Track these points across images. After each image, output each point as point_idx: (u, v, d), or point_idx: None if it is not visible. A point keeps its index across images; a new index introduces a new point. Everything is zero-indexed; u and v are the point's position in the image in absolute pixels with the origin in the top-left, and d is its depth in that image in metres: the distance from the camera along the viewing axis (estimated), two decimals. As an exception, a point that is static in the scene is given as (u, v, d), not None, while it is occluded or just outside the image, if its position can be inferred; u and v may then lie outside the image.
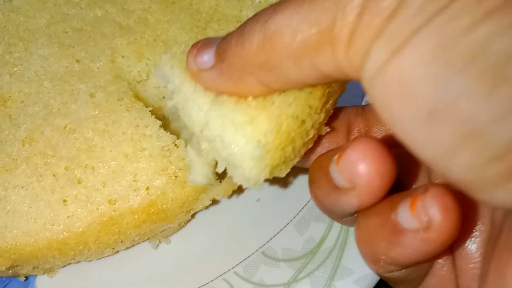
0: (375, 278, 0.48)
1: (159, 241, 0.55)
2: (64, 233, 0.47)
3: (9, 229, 0.47)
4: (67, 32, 0.60)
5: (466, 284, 0.34)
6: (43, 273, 0.54)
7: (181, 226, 0.55)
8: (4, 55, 0.59)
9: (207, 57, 0.33)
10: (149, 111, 0.53)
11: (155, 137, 0.51)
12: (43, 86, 0.55)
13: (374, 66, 0.24)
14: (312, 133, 0.35)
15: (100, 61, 0.57)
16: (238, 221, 0.56)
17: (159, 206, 0.49)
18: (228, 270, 0.53)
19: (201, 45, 0.34)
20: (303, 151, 0.37)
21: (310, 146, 0.38)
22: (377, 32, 0.24)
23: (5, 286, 0.54)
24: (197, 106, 0.35)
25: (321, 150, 0.40)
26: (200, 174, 0.44)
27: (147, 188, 0.49)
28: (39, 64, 0.57)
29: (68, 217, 0.48)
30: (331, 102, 0.36)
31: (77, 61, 0.57)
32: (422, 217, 0.28)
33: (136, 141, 0.51)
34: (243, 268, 0.52)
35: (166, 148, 0.51)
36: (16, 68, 0.57)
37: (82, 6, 0.63)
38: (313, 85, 0.32)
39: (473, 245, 0.34)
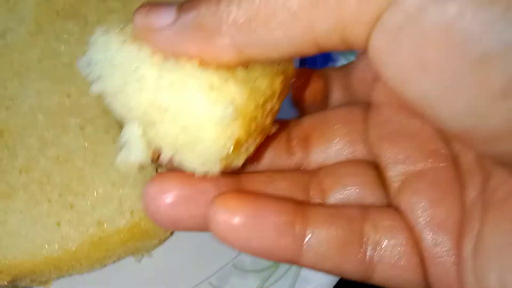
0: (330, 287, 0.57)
1: (142, 255, 0.62)
2: (59, 251, 0.55)
3: (10, 249, 0.54)
4: (57, 67, 0.67)
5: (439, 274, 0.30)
6: (40, 285, 0.61)
7: (161, 242, 0.62)
8: (0, 89, 0.66)
9: (165, 14, 0.28)
10: (133, 141, 0.60)
11: (138, 166, 0.58)
12: (37, 120, 0.62)
13: (404, 13, 0.21)
14: (268, 120, 0.32)
15: (88, 96, 0.64)
16: (210, 238, 0.63)
17: (142, 227, 0.57)
18: (203, 280, 0.61)
19: (154, 4, 0.29)
20: (257, 141, 0.32)
21: (261, 141, 0.33)
22: None
23: (5, 298, 0.60)
24: (141, 78, 0.29)
25: (266, 160, 0.37)
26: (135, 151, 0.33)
27: (132, 212, 0.56)
28: (33, 98, 0.64)
29: (62, 237, 0.55)
30: (281, 98, 0.34)
31: (68, 96, 0.64)
32: None
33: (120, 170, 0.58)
34: (216, 279, 0.60)
35: (148, 176, 0.58)
36: (12, 102, 0.64)
37: (71, 42, 0.70)
38: (290, 57, 0.28)
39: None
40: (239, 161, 0.32)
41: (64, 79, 0.66)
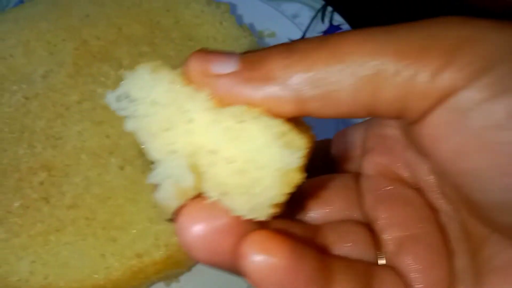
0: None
1: (171, 281, 0.71)
2: (103, 280, 0.63)
3: (62, 277, 0.63)
4: (96, 109, 0.75)
5: None
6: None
7: (189, 269, 0.71)
8: (46, 129, 0.73)
9: (227, 62, 0.29)
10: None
11: (171, 204, 0.67)
12: (81, 159, 0.70)
13: (480, 94, 0.24)
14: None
15: (125, 137, 0.72)
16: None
17: (175, 258, 0.65)
18: (225, 304, 0.69)
19: (212, 51, 0.31)
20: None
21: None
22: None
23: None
24: (191, 120, 0.30)
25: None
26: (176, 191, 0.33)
27: (166, 245, 0.65)
28: (76, 139, 0.72)
29: (106, 268, 0.64)
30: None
31: (107, 137, 0.72)
32: None
33: (157, 208, 0.66)
34: (237, 303, 0.69)
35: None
36: (57, 142, 0.72)
37: (108, 85, 0.78)
38: (342, 117, 0.30)
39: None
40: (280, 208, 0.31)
41: (103, 121, 0.74)
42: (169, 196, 0.30)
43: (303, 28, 0.89)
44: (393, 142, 0.39)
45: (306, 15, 0.90)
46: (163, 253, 0.64)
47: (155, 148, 0.31)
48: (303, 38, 0.33)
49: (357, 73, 0.27)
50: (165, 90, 0.31)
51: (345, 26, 0.86)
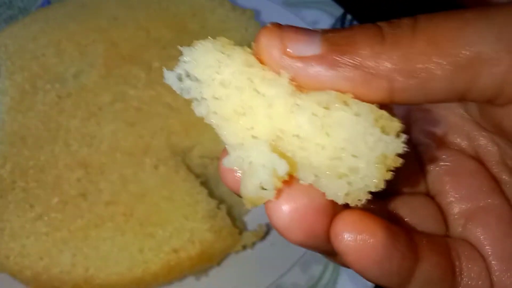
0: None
1: (201, 274, 0.75)
2: (142, 274, 0.67)
3: (102, 271, 0.66)
4: (128, 110, 0.78)
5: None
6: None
7: (218, 263, 0.75)
8: (81, 128, 0.76)
9: (310, 43, 0.28)
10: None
11: (205, 202, 0.71)
12: (116, 158, 0.74)
13: None
14: None
15: (158, 138, 0.76)
16: (257, 261, 0.76)
17: (208, 254, 0.69)
18: (251, 297, 0.74)
19: (287, 27, 0.29)
20: None
21: None
22: None
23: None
24: (272, 104, 0.29)
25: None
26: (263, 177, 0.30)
27: (201, 241, 0.69)
28: (110, 138, 0.75)
29: (144, 262, 0.67)
30: None
31: (140, 137, 0.76)
32: None
33: (191, 206, 0.70)
34: (263, 296, 0.73)
35: (212, 210, 0.71)
36: (92, 141, 0.75)
37: (139, 87, 0.81)
38: (431, 103, 0.30)
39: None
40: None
41: (135, 121, 0.77)
42: (264, 182, 0.29)
43: (322, 36, 0.93)
44: (445, 112, 0.38)
45: (325, 22, 0.94)
46: (198, 249, 0.68)
47: (230, 132, 0.30)
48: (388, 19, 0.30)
49: (456, 62, 0.26)
50: (237, 71, 0.29)
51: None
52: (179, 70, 0.30)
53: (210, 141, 0.76)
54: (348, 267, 0.31)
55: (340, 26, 0.93)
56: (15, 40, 0.84)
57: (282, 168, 0.29)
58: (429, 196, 0.38)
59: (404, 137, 0.28)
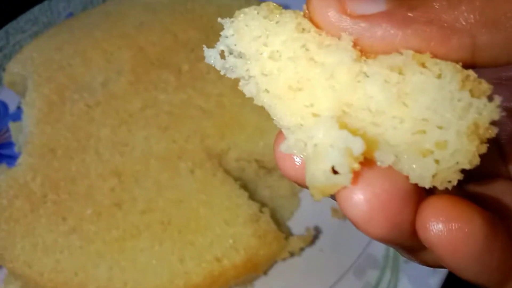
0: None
1: (246, 285, 0.69)
2: (184, 285, 0.62)
3: (142, 284, 0.61)
4: (159, 115, 0.75)
5: None
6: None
7: (265, 273, 0.69)
8: (111, 136, 0.73)
9: (371, 1, 0.25)
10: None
11: (246, 206, 0.66)
12: (150, 164, 0.69)
13: None
14: None
15: (192, 141, 0.71)
16: (306, 268, 0.70)
17: (254, 262, 0.64)
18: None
19: None
20: None
21: None
22: None
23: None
24: (333, 75, 0.25)
25: None
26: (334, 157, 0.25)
27: (245, 248, 0.63)
28: (143, 144, 0.71)
29: (185, 273, 0.62)
30: None
31: (174, 141, 0.72)
32: None
33: (232, 210, 0.65)
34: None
35: (254, 214, 0.65)
36: (124, 148, 0.71)
37: (169, 91, 0.77)
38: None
39: None
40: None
41: (167, 126, 0.73)
42: (337, 165, 0.24)
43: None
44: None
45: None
46: (242, 256, 0.63)
47: (286, 112, 0.26)
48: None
49: None
50: (289, 39, 0.25)
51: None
52: (220, 46, 0.27)
53: (245, 142, 0.72)
54: (438, 266, 0.26)
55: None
56: (40, 52, 0.82)
57: (358, 146, 0.24)
58: (511, 180, 0.33)
59: (499, 99, 0.23)
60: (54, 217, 0.66)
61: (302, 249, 0.69)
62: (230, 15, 0.84)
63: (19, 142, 0.80)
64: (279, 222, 0.69)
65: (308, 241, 0.68)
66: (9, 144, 0.83)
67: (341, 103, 0.25)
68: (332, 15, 0.25)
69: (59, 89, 0.78)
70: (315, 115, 0.25)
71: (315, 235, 0.70)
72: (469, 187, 0.32)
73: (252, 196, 0.68)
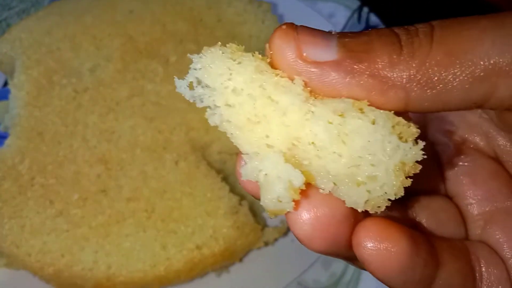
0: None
1: (222, 271, 0.74)
2: (165, 271, 0.66)
3: (125, 268, 0.65)
4: (146, 105, 0.77)
5: None
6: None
7: (240, 260, 0.74)
8: (99, 124, 0.75)
9: (326, 49, 0.28)
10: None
11: (226, 199, 0.70)
12: (136, 154, 0.72)
13: None
14: None
15: (177, 133, 0.74)
16: (279, 257, 0.75)
17: (231, 250, 0.68)
18: (273, 294, 0.73)
19: (301, 29, 0.28)
20: None
21: None
22: None
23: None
24: (286, 112, 0.29)
25: None
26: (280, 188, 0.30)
27: (224, 238, 0.68)
28: (129, 133, 0.74)
29: (167, 259, 0.66)
30: None
31: (159, 132, 0.75)
32: None
33: (213, 202, 0.69)
34: (285, 293, 0.73)
35: (234, 207, 0.70)
36: (111, 136, 0.74)
37: (157, 81, 0.79)
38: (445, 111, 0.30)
39: None
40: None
41: (154, 117, 0.76)
42: (280, 196, 0.29)
43: (339, 28, 0.92)
44: (462, 111, 0.37)
45: (342, 14, 0.93)
46: (221, 245, 0.67)
47: (245, 141, 0.29)
48: (404, 24, 0.30)
49: (473, 73, 0.27)
50: (249, 79, 0.29)
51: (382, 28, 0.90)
52: (190, 78, 0.30)
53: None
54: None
55: (357, 18, 0.92)
56: (29, 34, 0.82)
57: (298, 180, 0.29)
58: (448, 197, 0.38)
59: (422, 144, 0.28)
60: (41, 200, 0.69)
61: (275, 239, 0.74)
62: (219, 8, 0.85)
63: (4, 122, 0.81)
64: (256, 214, 0.73)
65: (282, 233, 0.73)
66: (-6, 123, 0.84)
67: (292, 137, 0.29)
68: (289, 57, 0.28)
69: (48, 73, 0.79)
70: (268, 146, 0.29)
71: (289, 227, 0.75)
72: (411, 202, 0.37)
73: (232, 189, 0.72)
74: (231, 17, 0.87)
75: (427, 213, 0.36)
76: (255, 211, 0.74)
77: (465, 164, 0.37)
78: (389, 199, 0.29)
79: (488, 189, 0.36)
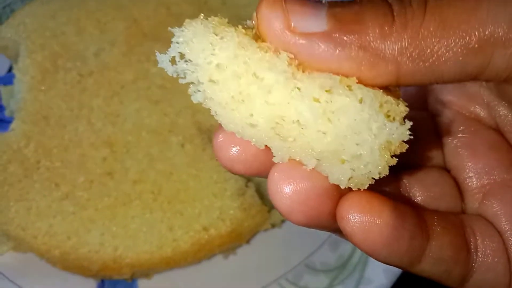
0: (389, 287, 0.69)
1: (229, 253, 0.74)
2: (172, 252, 0.66)
3: (132, 250, 0.65)
4: (151, 88, 0.77)
5: None
6: (142, 277, 0.71)
7: (247, 242, 0.74)
8: (104, 107, 0.75)
9: (315, 19, 0.26)
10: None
11: (233, 180, 0.69)
12: (141, 136, 0.72)
13: None
14: None
15: (183, 116, 0.74)
16: (286, 239, 0.75)
17: (238, 232, 0.68)
18: (280, 277, 0.72)
19: (294, 0, 0.27)
20: None
21: None
22: None
23: (115, 286, 0.71)
24: (270, 89, 0.28)
25: None
26: None
27: (230, 219, 0.67)
28: (135, 116, 0.74)
29: (174, 240, 0.66)
30: None
31: (165, 115, 0.74)
32: None
33: (220, 183, 0.69)
34: (292, 276, 0.72)
35: (240, 188, 0.69)
36: (116, 119, 0.74)
37: (161, 64, 0.79)
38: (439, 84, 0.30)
39: None
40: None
41: (159, 99, 0.76)
42: None
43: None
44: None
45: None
46: (228, 227, 0.67)
47: (229, 120, 0.29)
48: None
49: (467, 44, 0.26)
50: (232, 55, 0.27)
51: None
52: (172, 52, 0.29)
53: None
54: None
55: None
56: (34, 18, 0.82)
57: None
58: (446, 169, 0.37)
59: (409, 124, 0.27)
60: (47, 183, 0.69)
61: (283, 221, 0.73)
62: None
63: (10, 106, 0.81)
64: (262, 196, 0.73)
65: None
66: (0, 108, 0.84)
67: (276, 116, 0.28)
68: (276, 28, 0.27)
69: (52, 57, 0.79)
70: (252, 125, 0.29)
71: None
72: (406, 174, 0.36)
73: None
74: (236, -1, 0.86)
75: (423, 185, 0.35)
76: (262, 193, 0.73)
77: (465, 136, 0.36)
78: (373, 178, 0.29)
79: (487, 161, 0.35)
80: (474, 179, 0.35)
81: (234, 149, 0.31)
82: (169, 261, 0.66)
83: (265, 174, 0.31)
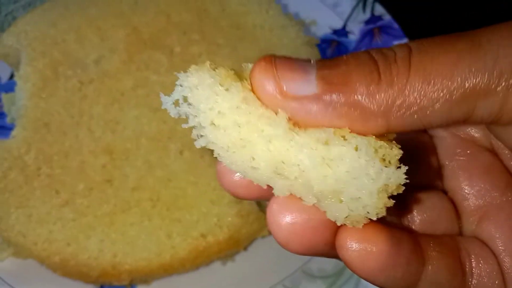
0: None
1: (227, 260, 0.74)
2: (170, 259, 0.66)
3: (131, 256, 0.66)
4: (150, 96, 0.77)
5: None
6: (141, 284, 0.72)
7: (245, 249, 0.74)
8: (104, 114, 0.76)
9: (305, 83, 0.28)
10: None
11: (231, 187, 0.70)
12: (141, 144, 0.73)
13: None
14: None
15: (182, 123, 0.74)
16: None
17: (236, 239, 0.69)
18: (278, 283, 0.73)
19: (280, 63, 0.29)
20: None
21: None
22: None
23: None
24: (271, 139, 0.29)
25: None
26: None
27: (228, 226, 0.68)
28: (134, 124, 0.75)
29: (172, 247, 0.67)
30: None
31: (164, 122, 0.75)
32: None
33: (218, 190, 0.70)
34: (289, 282, 0.73)
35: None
36: (116, 126, 0.74)
37: (161, 72, 0.80)
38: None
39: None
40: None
41: (159, 107, 0.76)
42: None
43: (344, 17, 0.91)
44: None
45: (347, 4, 0.92)
46: (226, 233, 0.68)
47: (232, 162, 0.30)
48: (382, 48, 0.30)
49: (451, 97, 0.28)
50: (235, 106, 0.29)
51: (387, 17, 0.89)
52: (176, 96, 0.30)
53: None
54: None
55: (362, 8, 0.91)
56: (35, 26, 0.83)
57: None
58: (444, 191, 0.38)
59: (405, 168, 0.29)
60: (47, 190, 0.69)
61: (281, 229, 0.74)
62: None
63: (11, 114, 0.82)
64: (260, 203, 0.73)
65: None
66: (1, 115, 0.85)
67: (277, 161, 0.30)
68: (269, 92, 0.29)
69: (53, 65, 0.79)
70: (254, 168, 0.30)
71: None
72: (407, 198, 0.36)
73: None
74: (235, 7, 0.87)
75: (421, 208, 0.36)
76: (260, 200, 0.74)
77: (462, 158, 0.37)
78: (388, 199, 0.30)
79: (483, 184, 0.36)
80: (470, 202, 0.36)
81: (236, 174, 0.32)
82: (168, 268, 0.67)
83: (266, 198, 0.32)
